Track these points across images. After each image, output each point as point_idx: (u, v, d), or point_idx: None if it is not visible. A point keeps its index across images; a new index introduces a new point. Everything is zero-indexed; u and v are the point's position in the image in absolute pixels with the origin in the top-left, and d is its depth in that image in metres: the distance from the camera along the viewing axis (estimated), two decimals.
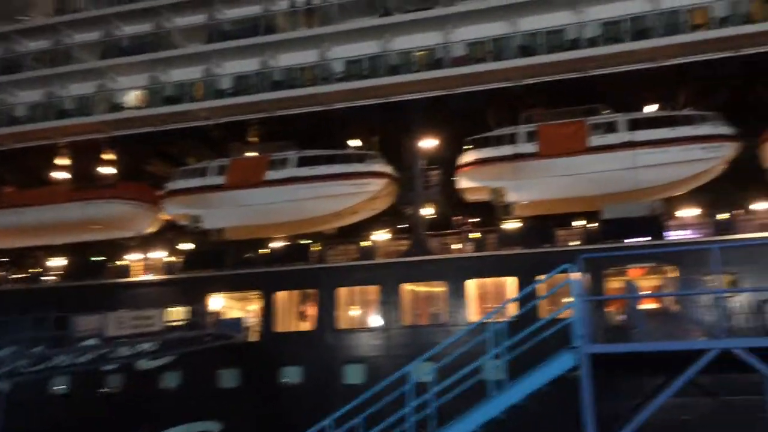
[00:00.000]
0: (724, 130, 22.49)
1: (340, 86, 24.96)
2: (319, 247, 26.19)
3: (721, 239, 20.98)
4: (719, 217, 22.84)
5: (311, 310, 24.80)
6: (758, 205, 23.09)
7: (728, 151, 22.53)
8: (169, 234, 29.29)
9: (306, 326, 25.02)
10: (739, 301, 15.12)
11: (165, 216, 28.17)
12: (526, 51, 23.49)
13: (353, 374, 22.32)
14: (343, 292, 24.19)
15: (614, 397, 11.10)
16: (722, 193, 23.13)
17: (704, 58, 21.55)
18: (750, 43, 21.24)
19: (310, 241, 26.86)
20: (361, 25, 26.16)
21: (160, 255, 28.95)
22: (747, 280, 19.59)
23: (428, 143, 25.44)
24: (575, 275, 9.16)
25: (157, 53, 28.06)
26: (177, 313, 23.70)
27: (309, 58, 26.42)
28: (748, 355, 8.16)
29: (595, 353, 8.81)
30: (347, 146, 26.78)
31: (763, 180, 22.61)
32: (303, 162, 25.72)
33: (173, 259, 28.47)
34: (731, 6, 22.00)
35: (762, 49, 21.21)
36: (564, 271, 9.35)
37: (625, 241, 21.67)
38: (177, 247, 29.25)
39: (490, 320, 10.12)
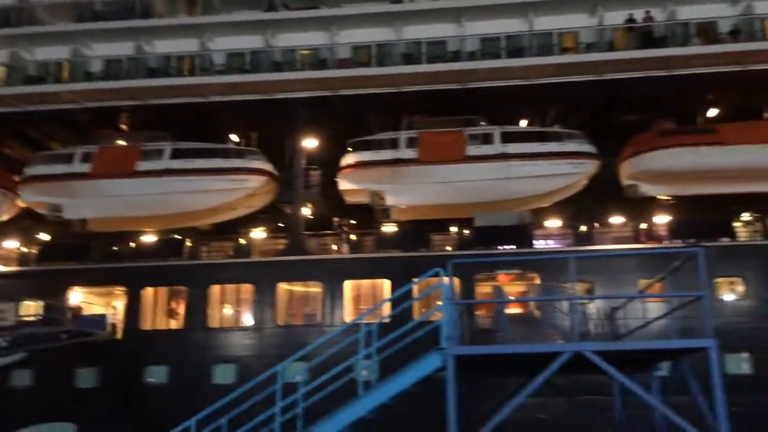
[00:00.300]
0: (588, 148, 24.12)
1: (219, 79, 24.30)
2: (192, 243, 25.34)
3: (578, 249, 22.53)
4: (580, 228, 24.55)
5: (181, 308, 23.95)
6: (614, 219, 24.98)
7: (591, 168, 24.19)
8: (25, 222, 27.14)
9: (175, 324, 24.13)
10: (595, 307, 16.27)
11: (21, 203, 26.11)
12: (409, 59, 24.00)
13: (223, 374, 21.78)
14: (215, 289, 23.55)
15: (481, 396, 11.59)
16: (584, 206, 24.82)
17: (571, 80, 22.99)
18: (612, 69, 22.95)
19: (182, 237, 25.92)
20: (244, 18, 25.63)
21: (14, 245, 26.80)
22: (601, 288, 21.14)
23: (310, 143, 25.34)
24: (445, 279, 9.44)
25: (19, 28, 26.02)
26: (34, 308, 22.07)
27: (188, 47, 25.55)
28: (597, 358, 8.74)
29: (461, 354, 9.09)
30: (226, 141, 26.10)
31: (620, 196, 24.49)
32: (178, 154, 24.77)
33: (29, 249, 26.45)
34: (597, 33, 23.69)
35: (622, 75, 23.00)
36: (435, 275, 9.60)
37: (498, 247, 22.75)
38: (34, 236, 27.19)
39: (362, 321, 10.22)
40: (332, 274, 22.58)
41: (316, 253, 24.31)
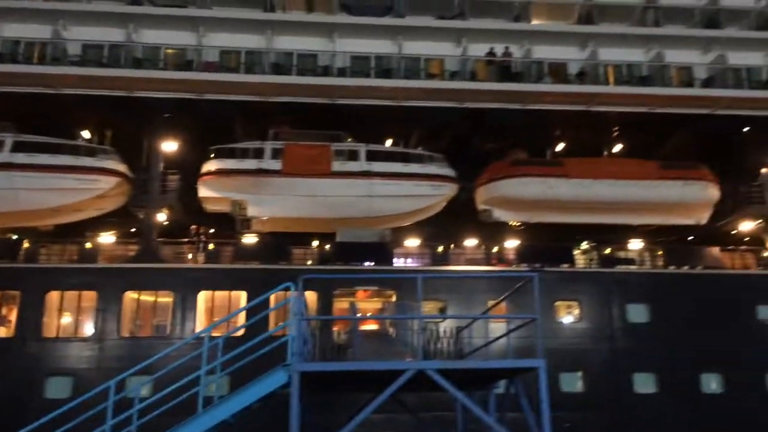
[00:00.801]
0: (448, 171, 25.10)
1: (72, 70, 22.67)
2: (30, 245, 23.32)
3: (429, 270, 23.24)
4: (438, 249, 25.41)
5: (13, 315, 21.88)
6: (469, 242, 26.10)
7: (450, 191, 25.18)
8: None
9: (4, 332, 22.01)
10: (445, 326, 16.83)
11: None
12: (279, 69, 23.78)
13: (57, 388, 20.10)
14: (53, 296, 21.77)
15: (337, 413, 11.53)
16: (442, 227, 25.73)
17: (436, 105, 23.86)
18: (473, 98, 24.09)
19: (20, 237, 23.80)
20: (104, 9, 24.20)
21: None
22: (454, 308, 21.96)
23: (170, 145, 24.30)
24: (295, 294, 9.33)
25: None
26: None
27: (41, 33, 23.67)
28: (438, 376, 8.99)
29: (308, 371, 9.00)
30: (78, 137, 24.38)
31: (476, 220, 25.66)
32: (20, 147, 22.78)
33: None
34: (461, 63, 24.81)
35: (482, 105, 24.20)
36: (286, 289, 9.47)
37: (364, 264, 22.95)
38: None
39: (207, 334, 9.86)
40: (185, 284, 21.66)
41: (169, 261, 23.23)
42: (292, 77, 23.58)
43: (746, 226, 25.98)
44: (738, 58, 25.80)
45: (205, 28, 24.33)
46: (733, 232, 26.59)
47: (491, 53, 25.14)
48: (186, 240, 24.25)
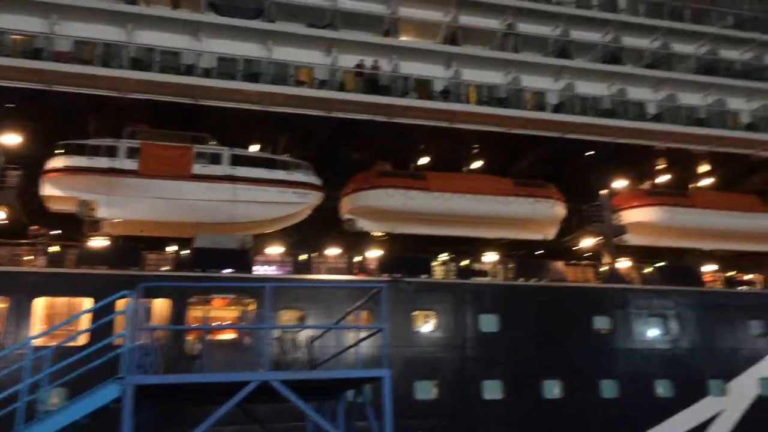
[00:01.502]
0: (314, 179, 25.06)
1: None
2: None
3: (290, 278, 23.03)
4: (300, 257, 25.22)
5: None
6: (332, 251, 26.16)
7: (315, 199, 25.13)
8: None
9: None
10: (303, 336, 16.70)
11: None
12: (138, 64, 22.68)
13: None
14: None
15: (179, 427, 11.00)
16: (305, 236, 25.60)
17: (304, 112, 23.78)
18: (341, 108, 24.30)
19: None
20: None
21: None
22: (314, 317, 21.86)
23: (12, 138, 22.38)
24: (133, 302, 8.85)
25: None
26: None
27: None
28: (282, 387, 8.89)
29: (143, 384, 8.56)
30: None
31: (339, 229, 25.79)
32: None
33: None
34: (330, 72, 24.94)
35: (350, 115, 24.45)
36: (123, 297, 8.97)
37: (222, 271, 22.23)
38: None
39: (31, 344, 9.11)
40: (20, 289, 19.91)
41: (4, 263, 21.29)
42: (153, 74, 22.57)
43: (587, 242, 28.06)
44: (585, 87, 27.94)
45: (59, 16, 22.73)
46: (576, 248, 28.64)
47: (360, 65, 25.49)
48: (25, 241, 22.36)
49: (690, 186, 30.01)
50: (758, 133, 28.47)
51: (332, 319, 21.15)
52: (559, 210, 26.67)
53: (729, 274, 28.99)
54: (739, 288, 28.20)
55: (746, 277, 29.10)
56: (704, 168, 29.50)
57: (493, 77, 27.37)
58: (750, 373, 25.51)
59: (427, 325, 23.62)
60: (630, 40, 29.09)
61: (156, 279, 19.42)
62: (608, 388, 24.09)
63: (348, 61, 25.51)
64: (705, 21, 29.82)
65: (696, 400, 24.62)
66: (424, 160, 27.17)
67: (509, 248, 27.82)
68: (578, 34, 28.53)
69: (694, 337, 25.57)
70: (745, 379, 25.37)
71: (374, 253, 25.83)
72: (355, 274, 24.71)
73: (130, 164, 22.52)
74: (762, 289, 28.10)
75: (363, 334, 11.95)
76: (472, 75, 26.97)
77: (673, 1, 29.50)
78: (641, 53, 29.15)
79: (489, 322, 23.69)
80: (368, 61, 25.69)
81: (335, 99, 24.15)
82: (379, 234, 26.08)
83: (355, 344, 10.90)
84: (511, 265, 26.39)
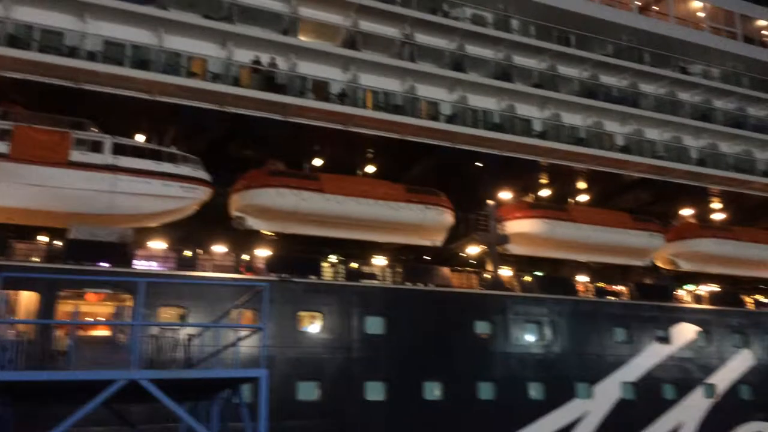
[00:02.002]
0: (203, 174, 24.33)
1: None
2: None
3: (171, 273, 22.22)
4: (184, 253, 24.39)
5: None
6: (219, 248, 25.52)
7: (203, 194, 24.39)
8: None
9: None
10: (185, 335, 16.14)
11: None
12: (15, 42, 21.17)
13: None
14: None
15: (41, 428, 10.31)
16: (192, 231, 24.80)
17: (195, 105, 23.09)
18: (235, 104, 23.82)
19: None
20: None
21: None
22: (196, 315, 21.21)
23: None
24: None
25: None
26: None
27: None
28: (152, 386, 8.57)
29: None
30: None
31: (228, 226, 25.19)
32: None
33: None
34: (225, 66, 24.38)
35: (244, 111, 24.02)
36: None
37: (98, 264, 21.08)
38: None
39: None
40: None
41: None
42: (31, 53, 21.14)
43: (473, 250, 29.04)
44: (477, 101, 28.93)
45: None
46: (462, 255, 29.56)
47: (257, 61, 25.09)
48: None
49: (569, 201, 31.77)
50: (630, 155, 30.51)
51: (215, 318, 20.66)
52: (448, 218, 27.41)
53: (599, 284, 30.92)
54: (608, 298, 30.10)
55: (614, 288, 31.12)
56: (582, 185, 31.37)
57: (390, 84, 27.77)
58: (614, 377, 27.31)
59: (313, 326, 23.56)
60: (520, 59, 30.42)
61: (20, 270, 18.17)
62: (485, 390, 25.01)
63: (244, 56, 25.07)
64: (588, 47, 31.67)
65: (565, 401, 26.05)
66: (318, 162, 27.12)
67: (398, 253, 28.29)
68: (473, 50, 29.49)
69: (565, 343, 27.05)
70: (609, 382, 27.13)
71: (263, 253, 25.46)
72: (242, 272, 24.26)
73: (1, 147, 20.95)
74: (627, 300, 30.11)
75: (244, 334, 11.75)
76: (369, 80, 27.24)
77: (560, 26, 31.07)
78: (530, 73, 30.55)
79: (375, 325, 23.97)
80: (265, 58, 25.35)
81: (229, 94, 23.63)
82: (269, 233, 25.74)
83: (233, 344, 10.70)
84: (399, 269, 26.84)
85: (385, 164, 27.94)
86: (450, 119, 27.97)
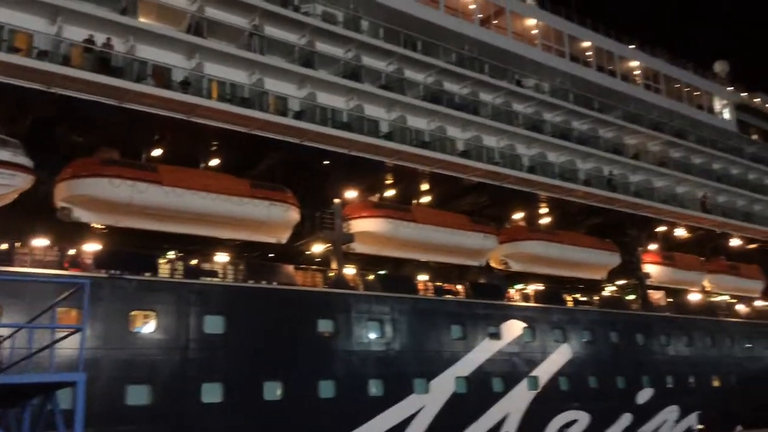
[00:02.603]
0: (24, 160, 22.08)
1: None
2: None
3: None
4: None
5: None
6: (39, 241, 23.30)
7: (23, 182, 22.12)
8: None
9: None
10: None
11: None
12: None
13: None
14: None
15: None
16: (9, 222, 22.41)
17: (15, 83, 20.93)
18: (64, 85, 21.87)
19: None
20: None
21: None
22: (12, 314, 19.18)
23: None
24: None
25: None
26: None
27: None
28: None
29: None
30: None
31: (52, 217, 23.06)
32: None
33: None
34: (54, 43, 22.33)
35: (74, 94, 22.12)
36: None
37: None
38: None
39: None
40: None
41: None
42: None
43: (318, 248, 28.99)
44: (326, 99, 28.94)
45: None
46: (308, 253, 29.43)
47: (90, 40, 23.24)
48: None
49: (413, 202, 32.77)
50: (470, 160, 32.07)
51: (33, 318, 18.80)
52: (294, 215, 27.12)
53: (438, 283, 32.19)
54: (445, 296, 31.42)
55: (452, 287, 32.56)
56: (426, 186, 32.51)
57: (237, 76, 27.00)
58: (448, 372, 28.53)
59: (147, 326, 22.25)
60: (369, 60, 30.89)
61: None
62: (326, 389, 25.06)
63: (76, 34, 23.10)
64: (434, 54, 32.88)
65: (403, 397, 26.80)
66: (157, 152, 25.66)
67: (241, 249, 27.56)
68: (323, 47, 29.48)
69: (404, 340, 27.84)
70: (444, 377, 28.30)
71: (91, 247, 23.62)
72: (66, 268, 22.33)
73: None
74: (463, 298, 31.62)
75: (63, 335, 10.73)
76: (215, 70, 26.29)
77: (407, 30, 31.95)
78: (378, 74, 31.12)
79: (214, 324, 23.12)
80: (100, 38, 23.54)
81: (58, 73, 21.62)
82: (99, 226, 23.92)
83: (47, 346, 9.71)
84: (241, 267, 26.14)
85: (230, 158, 27.11)
86: (298, 115, 27.74)
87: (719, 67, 53.71)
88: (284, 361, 24.26)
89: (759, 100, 55.75)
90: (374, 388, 26.43)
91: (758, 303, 46.36)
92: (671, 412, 36.13)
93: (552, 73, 37.92)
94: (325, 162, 28.26)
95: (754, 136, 50.99)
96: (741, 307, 45.42)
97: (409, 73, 32.16)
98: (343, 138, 28.14)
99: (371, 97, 30.17)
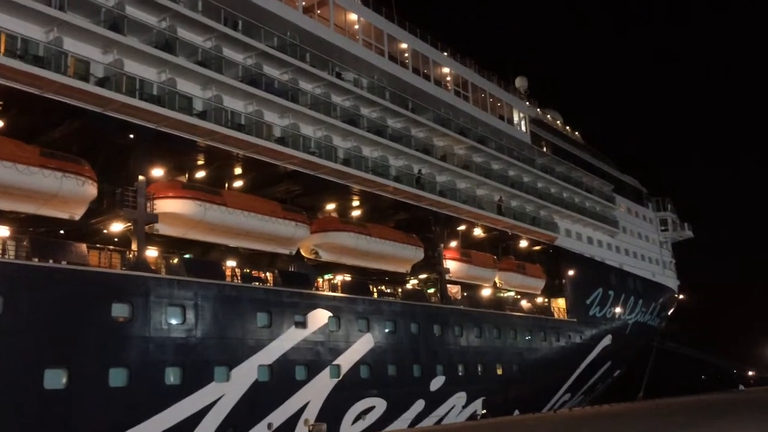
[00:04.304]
0: None
1: None
2: None
3: None
4: None
5: None
6: None
7: None
8: None
9: None
10: None
11: None
12: None
13: None
14: None
15: None
16: None
17: None
18: None
19: None
20: None
21: None
22: None
23: None
24: None
25: None
26: None
27: None
28: None
29: None
30: None
31: None
32: None
33: None
34: None
35: None
36: None
37: None
38: None
39: None
40: None
41: None
42: None
43: (117, 227, 26.95)
44: (135, 68, 26.98)
45: None
46: (105, 232, 27.25)
47: None
48: None
49: (225, 185, 31.75)
50: (286, 147, 31.78)
51: None
52: (90, 189, 24.92)
53: (246, 270, 31.53)
54: (253, 283, 30.86)
55: (260, 274, 32.08)
56: (239, 170, 31.65)
57: (31, 31, 24.23)
58: (252, 360, 28.07)
59: None
60: (185, 34, 29.34)
61: None
62: (117, 377, 23.44)
63: None
64: (255, 36, 32.05)
65: (202, 385, 25.85)
66: None
67: (26, 223, 24.81)
68: (134, 12, 27.43)
69: (207, 327, 26.87)
70: (247, 365, 27.79)
71: None
72: None
73: None
74: (270, 286, 31.28)
75: None
76: (4, 21, 23.35)
77: (227, 7, 30.78)
78: (195, 49, 29.66)
79: None
80: None
81: None
82: None
83: None
84: (25, 243, 23.51)
85: (17, 121, 24.36)
86: (102, 82, 25.56)
87: (519, 82, 58.76)
88: (70, 347, 22.24)
89: (550, 116, 62.05)
90: (172, 376, 25.19)
91: (538, 299, 51.47)
92: (460, 398, 38.82)
93: (371, 70, 38.84)
94: (130, 135, 26.38)
95: (545, 149, 56.43)
96: (524, 303, 50.11)
97: (228, 52, 31.06)
98: (152, 112, 26.45)
99: (186, 72, 28.68)
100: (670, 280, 72.35)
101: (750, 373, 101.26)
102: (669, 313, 72.12)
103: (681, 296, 74.22)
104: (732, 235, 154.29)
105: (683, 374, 74.57)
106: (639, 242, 67.77)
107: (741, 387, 71.36)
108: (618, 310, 58.44)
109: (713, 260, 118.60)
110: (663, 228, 73.42)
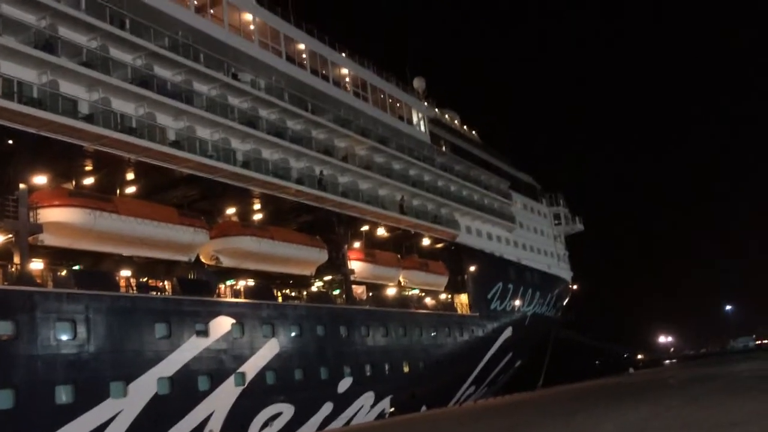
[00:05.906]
0: None
1: None
2: None
3: None
4: None
5: None
6: None
7: None
8: None
9: None
10: None
11: None
12: None
13: None
14: None
15: None
16: None
17: None
18: None
19: None
20: None
21: None
22: None
23: None
24: None
25: None
26: None
27: None
28: None
29: None
30: None
31: None
32: None
33: None
34: None
35: None
36: None
37: None
38: None
39: None
40: None
41: None
42: None
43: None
44: (11, 69, 25.26)
45: None
46: None
47: None
48: None
49: (117, 192, 30.30)
50: (181, 151, 30.72)
51: None
52: None
53: (142, 279, 30.23)
54: (150, 293, 29.63)
55: (157, 283, 30.86)
56: (131, 176, 30.30)
57: None
58: (151, 373, 26.93)
59: None
60: (68, 33, 27.74)
61: None
62: (3, 399, 21.88)
63: None
64: (145, 36, 30.78)
65: (97, 403, 24.56)
66: None
67: None
68: (8, 9, 25.65)
69: (101, 341, 25.57)
70: (145, 379, 26.64)
71: None
72: None
73: None
74: (169, 295, 30.16)
75: None
76: None
77: (114, 6, 29.39)
78: (79, 49, 28.12)
79: None
80: None
81: None
82: None
83: None
84: None
85: None
86: None
87: (417, 83, 59.69)
88: None
89: (448, 116, 63.49)
90: (63, 395, 23.77)
91: (442, 296, 52.55)
92: (368, 398, 38.96)
93: (268, 71, 38.26)
94: (8, 141, 24.67)
95: (444, 148, 57.66)
96: (428, 300, 51.00)
97: (116, 53, 29.64)
98: (31, 115, 24.83)
99: (69, 74, 27.11)
100: (564, 272, 75.83)
101: (639, 356, 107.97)
102: (564, 303, 75.55)
103: (575, 287, 77.94)
104: (619, 227, 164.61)
105: (579, 361, 78.56)
106: (535, 236, 70.59)
107: (630, 370, 76.06)
108: (517, 302, 60.60)
109: (603, 252, 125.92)
110: (557, 222, 76.85)
